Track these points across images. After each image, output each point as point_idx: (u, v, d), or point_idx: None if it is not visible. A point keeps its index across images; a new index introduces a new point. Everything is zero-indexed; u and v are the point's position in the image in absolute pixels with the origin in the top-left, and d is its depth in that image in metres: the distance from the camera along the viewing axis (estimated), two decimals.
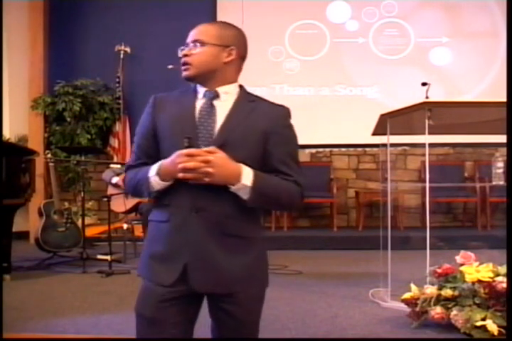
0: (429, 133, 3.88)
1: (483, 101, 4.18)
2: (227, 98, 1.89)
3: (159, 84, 6.50)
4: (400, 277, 4.14)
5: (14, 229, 5.29)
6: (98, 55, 7.81)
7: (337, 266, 5.79)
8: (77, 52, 7.97)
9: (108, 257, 5.46)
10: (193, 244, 1.79)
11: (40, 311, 4.03)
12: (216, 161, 1.71)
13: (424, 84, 4.18)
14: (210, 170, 1.70)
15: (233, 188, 1.76)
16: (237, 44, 1.87)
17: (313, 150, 7.97)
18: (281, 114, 1.90)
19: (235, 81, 1.92)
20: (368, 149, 7.88)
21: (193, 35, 1.87)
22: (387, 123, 4.24)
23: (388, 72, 7.90)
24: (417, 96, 4.10)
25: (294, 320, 3.78)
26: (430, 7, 7.91)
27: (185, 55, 1.86)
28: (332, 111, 7.88)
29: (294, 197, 1.84)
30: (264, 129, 1.81)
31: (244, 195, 1.76)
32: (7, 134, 7.69)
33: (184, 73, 1.88)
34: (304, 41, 7.98)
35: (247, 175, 1.74)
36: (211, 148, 1.73)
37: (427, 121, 3.86)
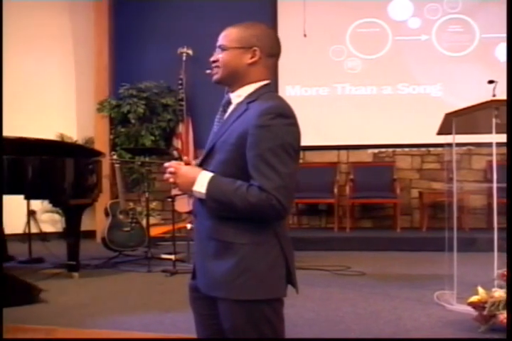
0: (496, 132, 3.79)
1: None
2: (236, 101, 1.90)
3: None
4: (465, 279, 4.06)
5: (82, 228, 5.45)
6: (161, 57, 7.95)
7: (401, 267, 5.72)
8: (141, 55, 8.12)
9: (172, 256, 5.55)
10: (195, 246, 1.92)
11: (108, 308, 4.15)
12: (180, 172, 1.80)
13: (490, 81, 4.08)
14: (172, 180, 1.82)
15: (194, 195, 1.81)
16: (260, 44, 1.85)
17: (376, 151, 7.88)
18: (257, 113, 1.74)
19: (261, 80, 1.88)
20: (431, 149, 7.74)
21: (218, 40, 1.91)
22: (452, 122, 4.16)
23: (452, 69, 7.74)
24: (482, 95, 4.01)
25: (358, 321, 3.76)
26: (495, 1, 7.69)
27: (213, 61, 1.91)
28: (395, 111, 7.78)
29: (255, 205, 1.68)
30: (241, 132, 1.76)
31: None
32: (74, 136, 7.92)
33: (213, 78, 1.92)
34: (365, 40, 7.91)
35: (201, 182, 1.75)
36: (186, 158, 1.85)
37: (494, 120, 3.77)
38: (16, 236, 6.79)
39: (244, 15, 7.32)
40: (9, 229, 6.15)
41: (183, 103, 7.50)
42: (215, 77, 1.90)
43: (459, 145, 4.40)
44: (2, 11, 5.88)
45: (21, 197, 5.35)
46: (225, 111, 1.92)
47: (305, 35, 7.55)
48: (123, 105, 7.75)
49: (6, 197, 5.70)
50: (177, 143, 7.73)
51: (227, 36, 1.88)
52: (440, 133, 4.52)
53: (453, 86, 7.68)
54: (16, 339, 3.52)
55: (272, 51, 1.89)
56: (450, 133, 4.24)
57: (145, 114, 7.75)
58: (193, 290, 1.94)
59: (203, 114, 7.59)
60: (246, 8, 7.63)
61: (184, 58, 7.42)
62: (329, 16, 7.90)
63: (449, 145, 4.29)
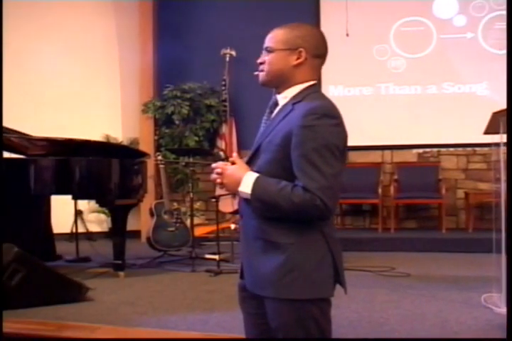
0: None
1: None
2: (283, 102, 1.90)
3: None
4: None
5: (127, 228, 5.51)
6: (205, 59, 8.00)
7: (446, 268, 5.63)
8: (185, 56, 8.18)
9: (216, 256, 5.59)
10: (241, 245, 1.94)
11: (153, 307, 4.20)
12: (226, 172, 1.82)
13: None
14: (219, 180, 1.84)
15: (240, 195, 1.82)
16: (305, 44, 1.85)
17: (421, 150, 7.78)
18: (302, 113, 1.75)
19: (307, 81, 1.89)
20: (477, 149, 7.60)
21: (265, 42, 1.92)
22: (500, 121, 4.08)
23: (499, 67, 7.54)
24: None
25: (402, 323, 3.72)
26: None
27: (260, 63, 1.92)
28: (440, 110, 7.67)
29: (299, 205, 1.69)
30: (286, 132, 1.76)
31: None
32: (119, 137, 8.04)
33: (259, 80, 1.93)
34: (409, 39, 7.81)
35: (247, 183, 1.77)
36: (232, 158, 1.85)
37: None
38: (63, 236, 6.93)
39: (287, 16, 7.34)
40: (57, 228, 6.30)
41: (227, 104, 7.52)
42: (261, 80, 1.92)
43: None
44: (2, 11, 5.95)
45: (69, 197, 5.45)
46: (271, 112, 1.93)
47: (348, 35, 7.50)
48: (167, 106, 7.83)
49: (54, 198, 5.88)
50: (220, 143, 7.77)
51: (273, 38, 1.89)
52: (487, 132, 4.43)
53: (500, 84, 7.49)
54: (62, 337, 3.58)
55: (318, 52, 1.90)
56: (497, 133, 4.16)
57: (189, 114, 7.82)
58: (242, 289, 1.96)
59: (246, 115, 7.63)
60: (288, 8, 7.64)
61: (227, 59, 7.45)
62: (372, 15, 7.83)
63: (497, 144, 4.21)
